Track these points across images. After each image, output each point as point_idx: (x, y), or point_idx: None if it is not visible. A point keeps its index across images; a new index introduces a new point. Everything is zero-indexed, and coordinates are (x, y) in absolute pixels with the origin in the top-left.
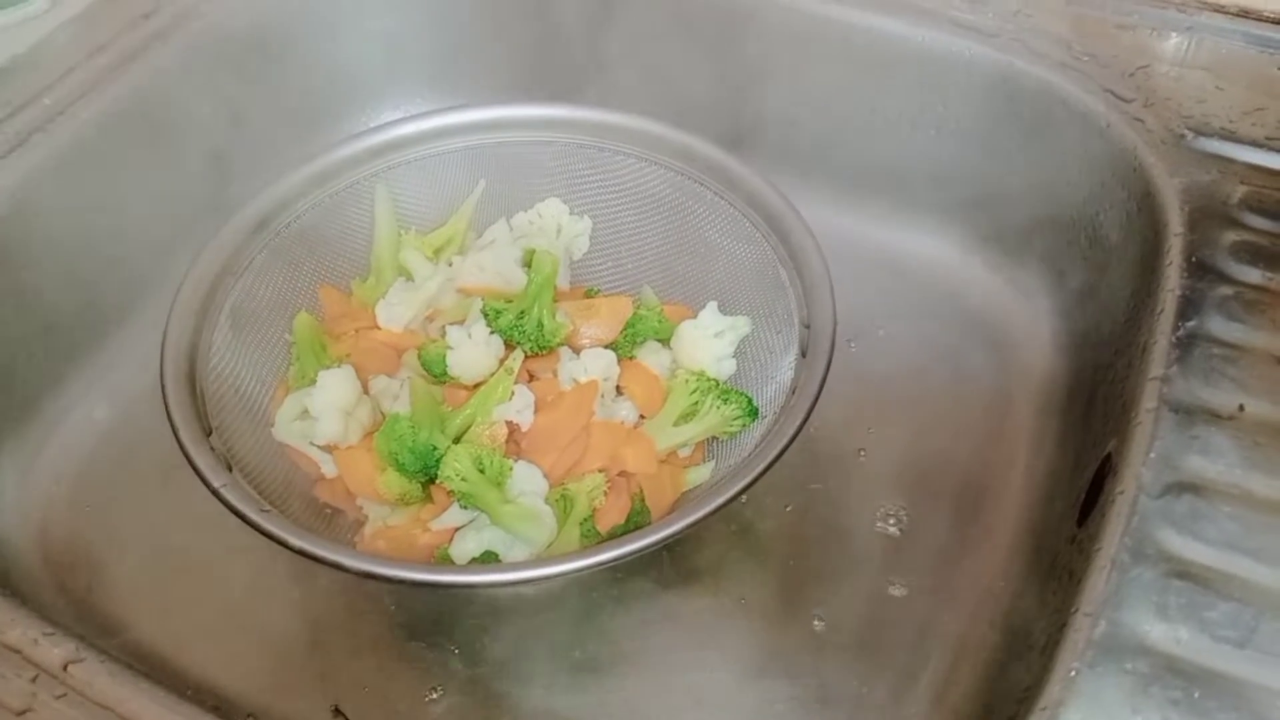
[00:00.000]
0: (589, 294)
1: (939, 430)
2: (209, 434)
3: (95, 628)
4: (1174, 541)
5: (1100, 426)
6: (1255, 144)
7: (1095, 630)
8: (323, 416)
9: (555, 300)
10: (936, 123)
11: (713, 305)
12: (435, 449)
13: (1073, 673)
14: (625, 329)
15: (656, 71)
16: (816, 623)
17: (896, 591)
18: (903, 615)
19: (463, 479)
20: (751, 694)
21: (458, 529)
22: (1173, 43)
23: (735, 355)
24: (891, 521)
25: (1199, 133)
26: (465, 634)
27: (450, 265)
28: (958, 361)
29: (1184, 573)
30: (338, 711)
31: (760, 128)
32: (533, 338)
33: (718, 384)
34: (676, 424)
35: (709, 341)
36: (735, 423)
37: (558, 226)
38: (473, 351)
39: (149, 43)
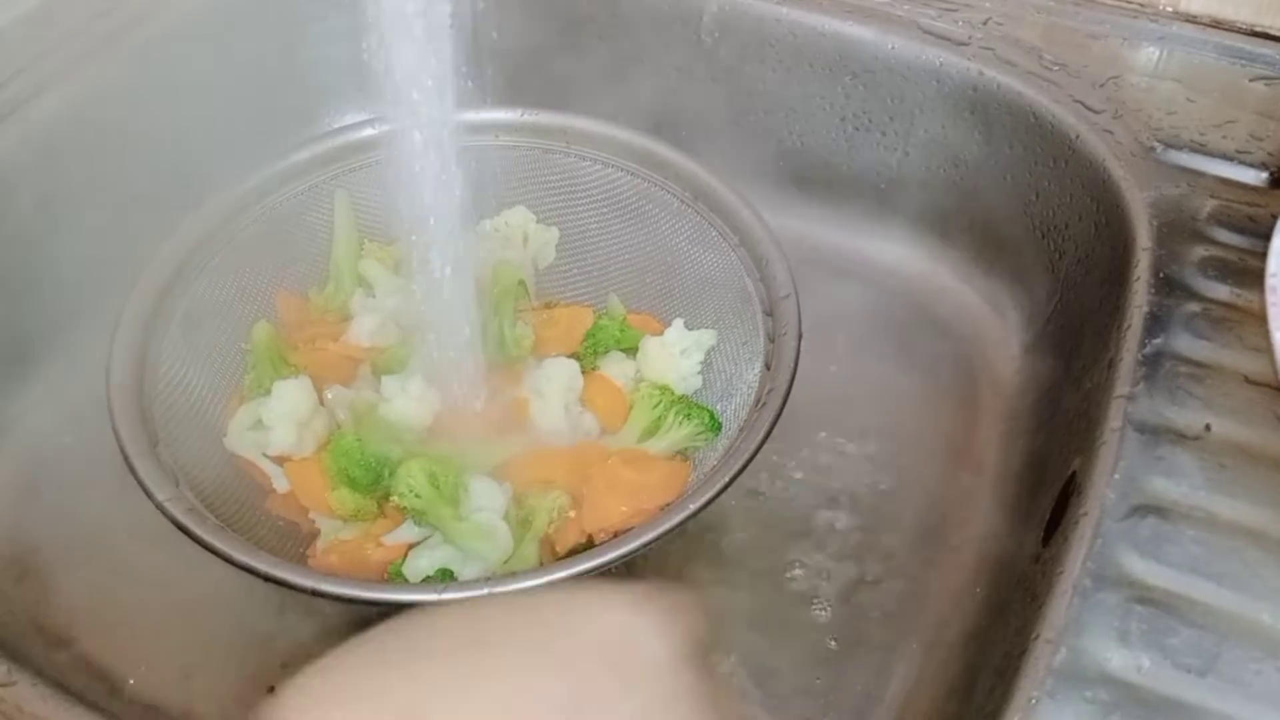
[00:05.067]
0: (548, 305)
1: (904, 443)
2: (155, 445)
3: (42, 642)
4: (1137, 565)
5: (1066, 444)
6: (1225, 157)
7: (1055, 657)
8: (277, 426)
9: (517, 311)
10: (906, 131)
11: (679, 323)
12: (387, 462)
13: (1032, 700)
14: (586, 339)
15: (623, 77)
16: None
17: (858, 612)
18: (863, 636)
19: (415, 495)
20: None
21: (412, 545)
22: (1144, 53)
23: (700, 370)
24: (853, 537)
25: (1169, 145)
26: None
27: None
28: (924, 373)
29: (1146, 598)
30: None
31: (727, 134)
32: (492, 347)
33: (681, 398)
34: (640, 440)
35: (674, 359)
36: (698, 438)
37: (524, 235)
38: (406, 406)
39: (102, 42)
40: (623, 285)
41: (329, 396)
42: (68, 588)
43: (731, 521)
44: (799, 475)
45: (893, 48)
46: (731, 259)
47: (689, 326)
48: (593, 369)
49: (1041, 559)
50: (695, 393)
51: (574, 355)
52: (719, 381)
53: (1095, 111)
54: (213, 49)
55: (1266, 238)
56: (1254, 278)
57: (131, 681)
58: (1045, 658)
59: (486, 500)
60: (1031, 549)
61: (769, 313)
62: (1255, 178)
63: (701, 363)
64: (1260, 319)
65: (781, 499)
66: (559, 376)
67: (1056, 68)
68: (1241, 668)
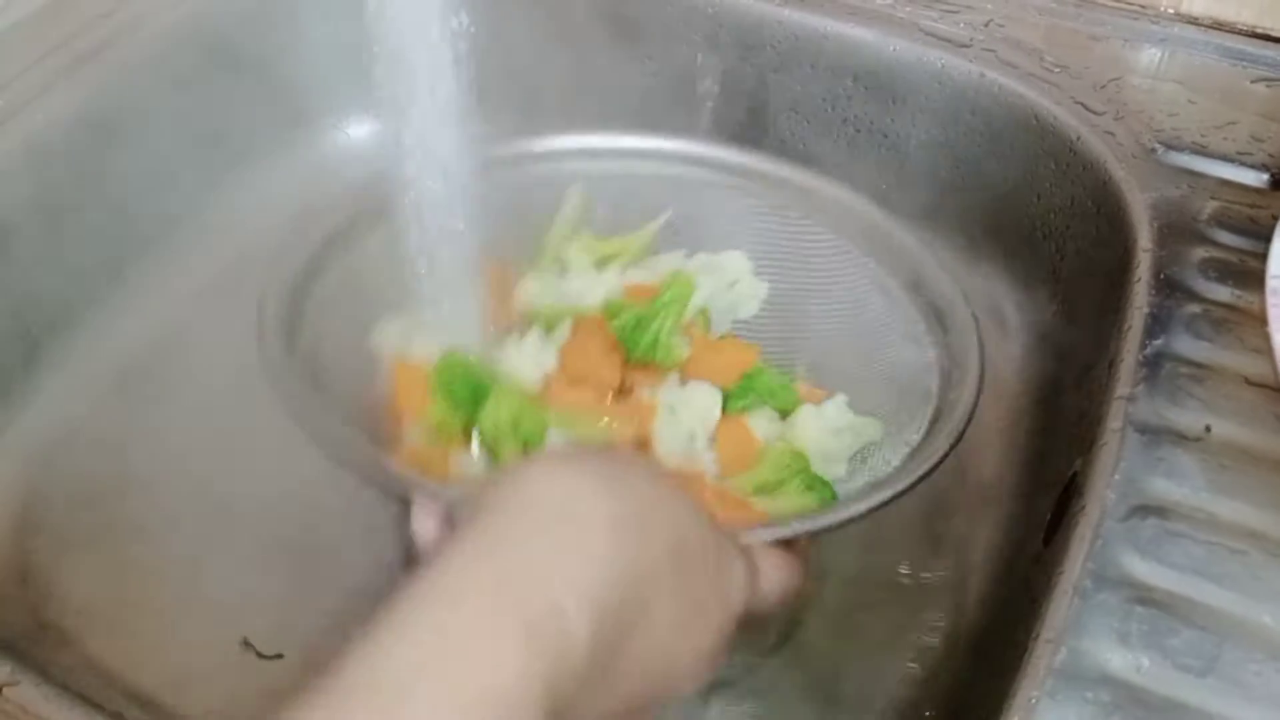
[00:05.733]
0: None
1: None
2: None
3: (45, 643)
4: (1137, 566)
5: (1067, 445)
6: (1226, 158)
7: (1056, 657)
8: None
9: (684, 326)
10: (907, 133)
11: (841, 400)
12: (487, 388)
13: (1033, 700)
14: (743, 380)
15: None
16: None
17: (860, 612)
18: (865, 636)
19: (493, 425)
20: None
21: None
22: (1145, 55)
23: (850, 459)
24: (851, 537)
25: (1170, 146)
26: None
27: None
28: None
29: (1146, 598)
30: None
31: (728, 135)
32: (643, 345)
33: (807, 468)
34: (750, 494)
35: (825, 436)
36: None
37: (734, 280)
38: (519, 358)
39: (106, 44)
40: (809, 354)
41: None
42: (71, 588)
43: None
44: None
45: (894, 50)
46: (927, 354)
47: (854, 409)
48: (737, 412)
49: (1042, 559)
50: (836, 481)
51: (724, 392)
52: (862, 477)
53: (1096, 113)
54: (218, 58)
55: (1267, 239)
56: (1255, 279)
57: (135, 681)
58: (1046, 658)
59: None
60: (1032, 549)
61: (938, 413)
62: (1256, 179)
63: (854, 450)
64: (1261, 320)
65: None
66: (699, 401)
67: (1058, 69)
68: (1242, 669)
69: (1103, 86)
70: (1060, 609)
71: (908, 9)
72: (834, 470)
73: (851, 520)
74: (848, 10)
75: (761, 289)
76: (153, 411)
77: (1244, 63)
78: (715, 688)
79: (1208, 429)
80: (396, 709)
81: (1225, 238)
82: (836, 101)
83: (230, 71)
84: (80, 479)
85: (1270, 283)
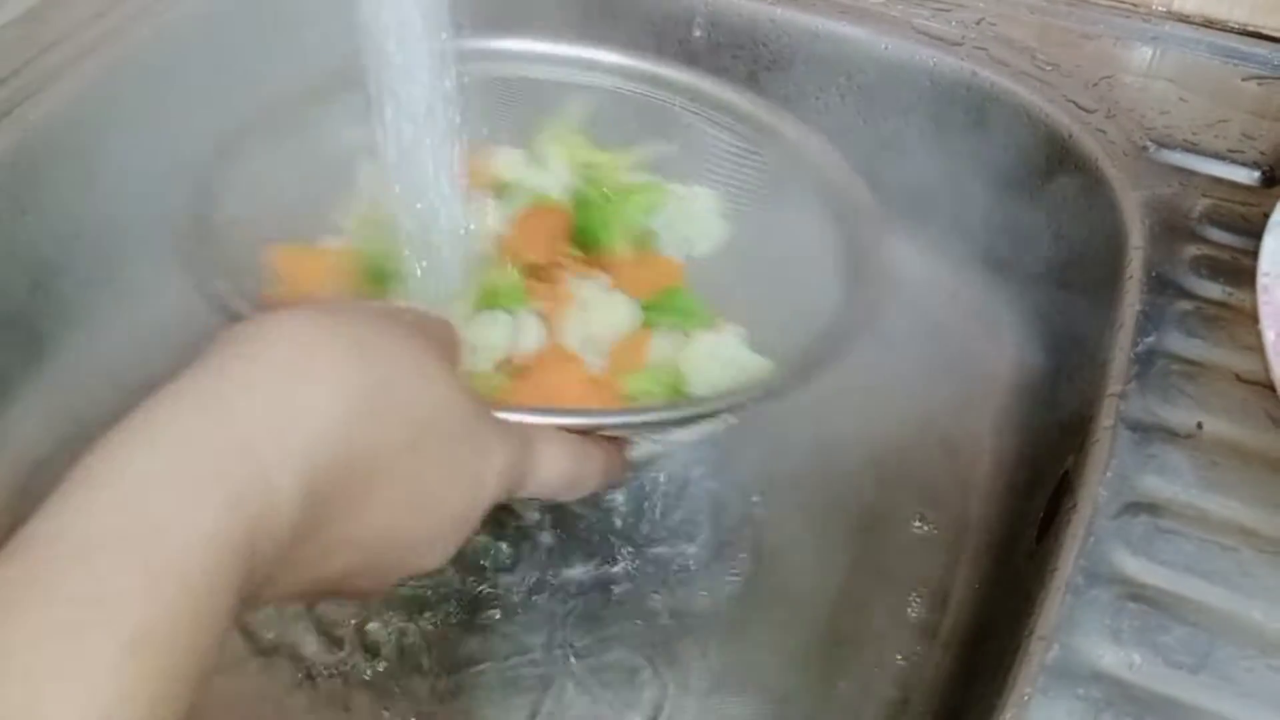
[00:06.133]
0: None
1: (899, 442)
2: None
3: None
4: (1129, 563)
5: (1059, 442)
6: (1218, 156)
7: (1048, 654)
8: None
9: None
10: (899, 131)
11: (739, 332)
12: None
13: (1025, 697)
14: (660, 295)
15: None
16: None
17: (852, 610)
18: (857, 634)
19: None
20: (703, 709)
21: None
22: (1137, 53)
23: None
24: (846, 535)
25: (1161, 144)
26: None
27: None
28: (918, 372)
29: (1138, 595)
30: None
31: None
32: (593, 228)
33: (680, 388)
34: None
35: (711, 365)
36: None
37: (696, 215)
38: (470, 221)
39: (101, 41)
40: (746, 298)
41: None
42: None
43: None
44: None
45: (886, 48)
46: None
47: (754, 347)
48: (647, 326)
49: (1034, 556)
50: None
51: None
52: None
53: (1088, 111)
54: (215, 53)
55: (1258, 237)
56: (1246, 276)
57: None
58: (1038, 655)
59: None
60: (1025, 546)
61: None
62: (1247, 177)
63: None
64: (1252, 318)
65: (776, 498)
66: (616, 313)
67: (1049, 67)
68: (1233, 665)
69: (1094, 84)
70: (1053, 606)
71: (899, 7)
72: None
73: (648, 425)
74: (839, 9)
75: (722, 230)
76: None
77: (1235, 61)
78: (715, 686)
79: (1199, 426)
80: (75, 572)
81: (1217, 235)
82: (828, 100)
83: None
84: None
85: (1261, 280)
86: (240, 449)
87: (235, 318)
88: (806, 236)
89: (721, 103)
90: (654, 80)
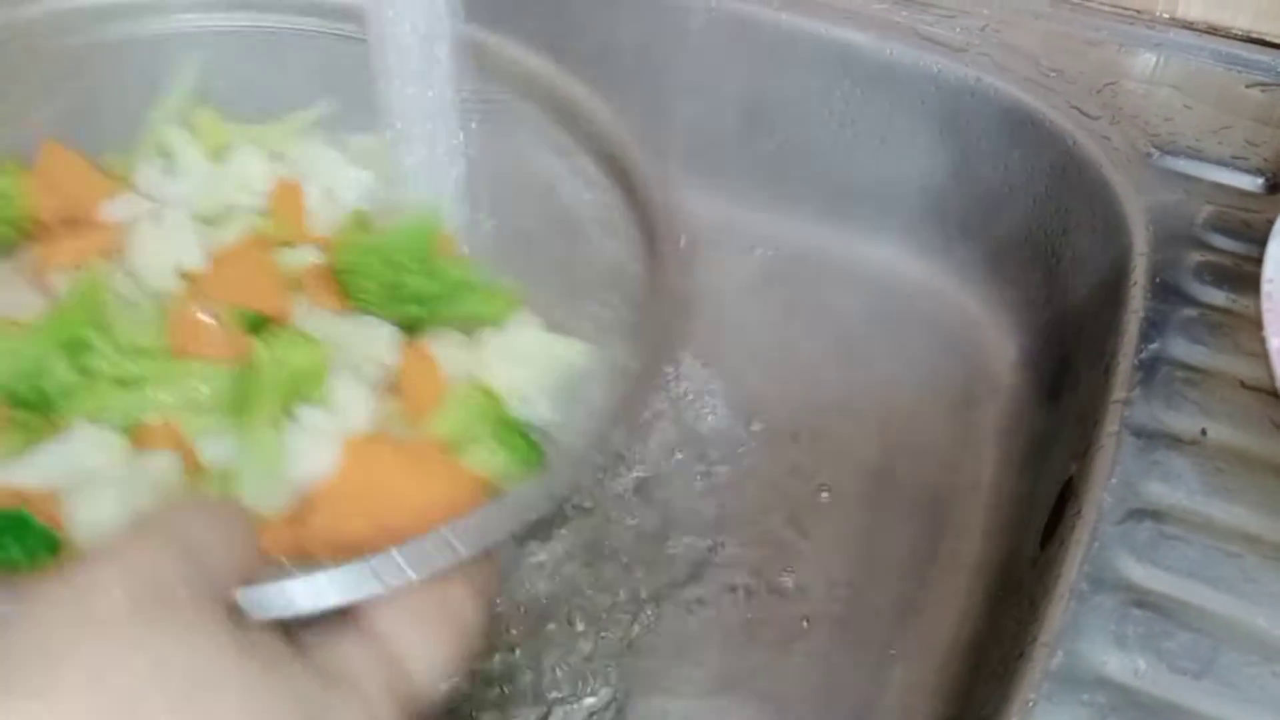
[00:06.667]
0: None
1: (901, 449)
2: None
3: None
4: (1134, 569)
5: (1063, 448)
6: (1221, 163)
7: (1052, 660)
8: None
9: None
10: (904, 137)
11: (527, 317)
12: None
13: (1029, 703)
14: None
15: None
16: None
17: (857, 617)
18: (860, 640)
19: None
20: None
21: None
22: (1141, 59)
23: (555, 392)
24: (848, 541)
25: (1165, 151)
26: None
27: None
28: (921, 378)
29: (1143, 601)
30: None
31: (726, 139)
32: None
33: (501, 414)
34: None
35: (513, 367)
36: (509, 477)
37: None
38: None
39: None
40: (499, 258)
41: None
42: None
43: (728, 520)
44: (792, 474)
45: (891, 53)
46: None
47: (551, 326)
48: (413, 335)
49: (1039, 563)
50: (542, 424)
51: (396, 293)
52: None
53: (1092, 117)
54: None
55: (1262, 243)
56: (1250, 283)
57: None
58: (1042, 661)
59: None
60: (1029, 553)
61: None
62: (1251, 183)
63: (561, 384)
64: (1256, 324)
65: (773, 496)
66: (373, 341)
67: (1053, 74)
68: (1238, 671)
69: (1098, 91)
70: (1057, 612)
71: (904, 13)
72: (538, 412)
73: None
74: (844, 14)
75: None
76: None
77: (1239, 67)
78: (721, 689)
79: (1203, 432)
80: None
81: (1221, 242)
82: (832, 104)
83: None
84: None
85: (1265, 287)
86: None
87: None
88: (542, 166)
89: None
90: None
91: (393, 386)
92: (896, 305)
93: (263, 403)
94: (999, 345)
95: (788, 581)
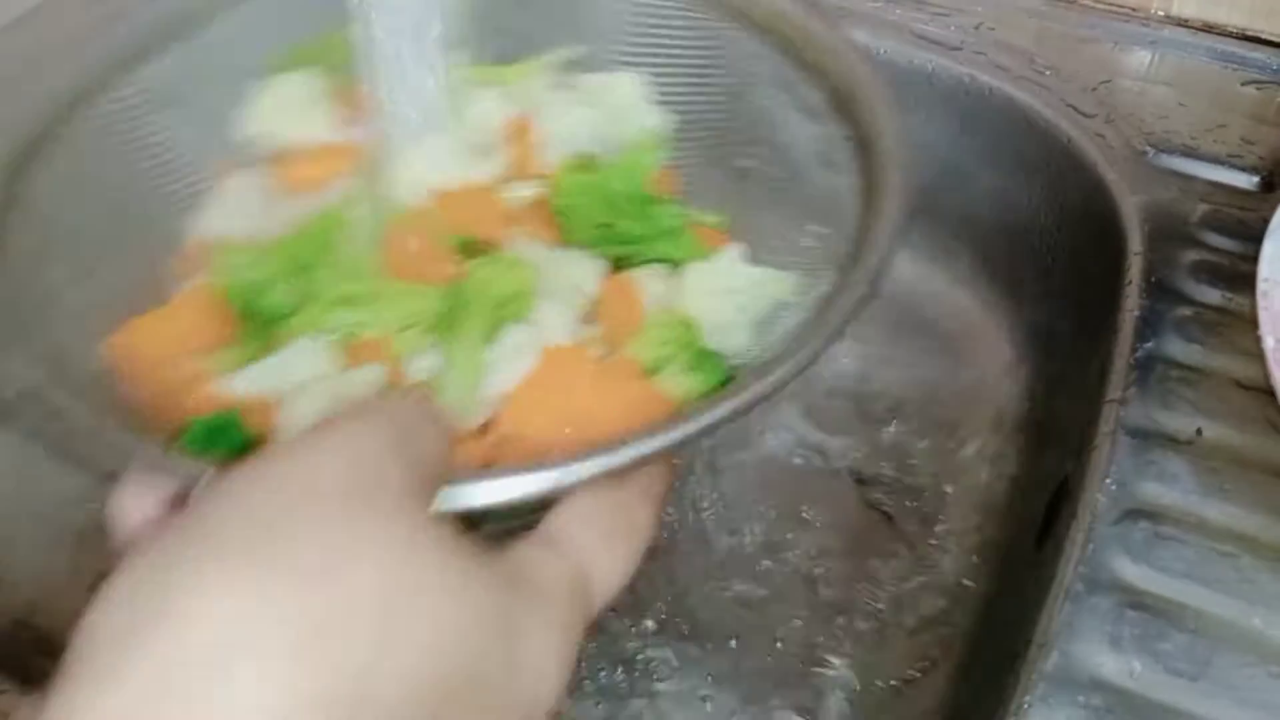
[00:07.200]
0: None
1: (897, 447)
2: None
3: (26, 647)
4: (1129, 570)
5: (1058, 448)
6: (1216, 161)
7: (1047, 661)
8: None
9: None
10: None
11: (735, 251)
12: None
13: (1025, 705)
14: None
15: None
16: (779, 644)
17: (850, 618)
18: (856, 642)
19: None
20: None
21: None
22: (1136, 57)
23: (753, 326)
24: (846, 541)
25: (1160, 149)
26: None
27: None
28: (913, 377)
29: (1138, 602)
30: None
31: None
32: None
33: (693, 342)
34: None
35: (717, 299)
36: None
37: (621, 110)
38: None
39: None
40: (710, 191)
41: None
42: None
43: (731, 511)
44: (789, 474)
45: (884, 52)
46: (848, 189)
47: (758, 260)
48: (621, 268)
49: (1034, 563)
50: (738, 355)
51: (610, 233)
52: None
53: (1087, 115)
54: None
55: (1257, 242)
56: (1245, 282)
57: None
58: (1037, 662)
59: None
60: (1024, 553)
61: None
62: (1246, 182)
63: (757, 312)
64: (1251, 323)
65: (769, 496)
66: (575, 270)
67: (1048, 72)
68: (1233, 672)
69: (1093, 89)
70: (1052, 613)
71: (898, 12)
72: (733, 341)
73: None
74: (837, 12)
75: (654, 119)
76: None
77: (1234, 65)
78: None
79: (1199, 432)
80: None
81: (1216, 240)
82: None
83: None
84: (55, 478)
85: (1260, 285)
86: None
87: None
88: (763, 100)
89: None
90: None
91: (594, 316)
92: (890, 304)
93: (470, 321)
94: (992, 344)
95: (781, 578)
